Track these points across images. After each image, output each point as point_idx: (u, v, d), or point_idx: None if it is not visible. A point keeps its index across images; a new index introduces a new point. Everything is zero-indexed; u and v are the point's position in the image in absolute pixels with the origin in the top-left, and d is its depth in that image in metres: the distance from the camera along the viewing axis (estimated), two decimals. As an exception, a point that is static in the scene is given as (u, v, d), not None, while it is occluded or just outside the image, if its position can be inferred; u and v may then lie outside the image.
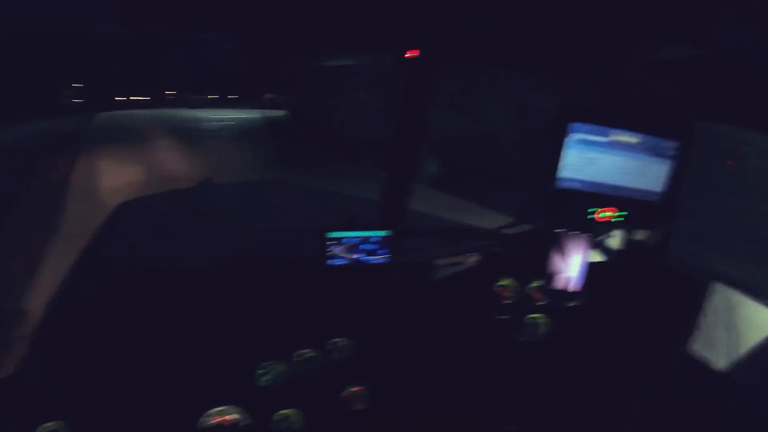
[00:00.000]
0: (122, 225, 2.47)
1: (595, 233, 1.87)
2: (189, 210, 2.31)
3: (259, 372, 1.66)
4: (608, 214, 1.86)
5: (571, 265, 1.90)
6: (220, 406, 1.59)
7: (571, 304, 1.93)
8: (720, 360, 1.79)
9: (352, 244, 1.70)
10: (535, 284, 1.92)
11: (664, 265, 1.96)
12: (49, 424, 1.38)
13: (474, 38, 1.58)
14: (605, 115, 1.78)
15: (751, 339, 1.76)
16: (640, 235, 2.00)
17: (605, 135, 1.79)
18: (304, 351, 1.70)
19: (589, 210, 1.84)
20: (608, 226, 1.89)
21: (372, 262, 1.74)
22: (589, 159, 1.80)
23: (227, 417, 1.60)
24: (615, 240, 2.06)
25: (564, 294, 1.91)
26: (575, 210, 1.83)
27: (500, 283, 1.90)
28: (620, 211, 1.86)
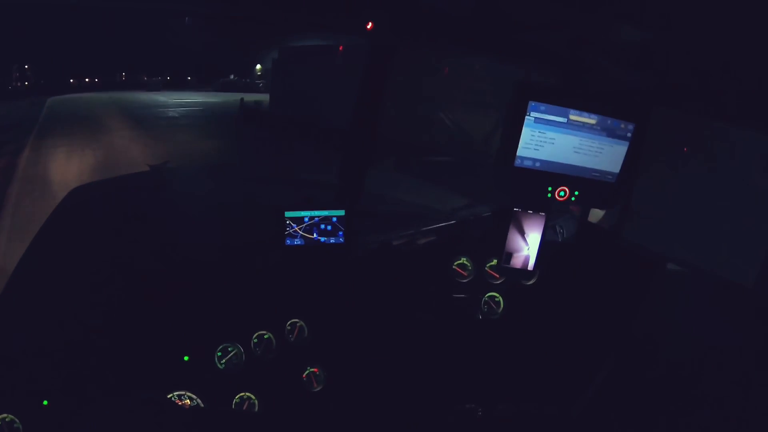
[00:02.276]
0: (74, 210, 2.35)
1: (551, 212, 1.89)
2: (147, 194, 2.21)
3: (218, 354, 1.63)
4: (565, 193, 1.89)
5: (528, 244, 1.93)
6: (180, 390, 1.56)
7: (527, 282, 1.97)
8: (665, 338, 1.87)
9: (309, 224, 1.68)
10: (491, 263, 1.95)
11: (618, 246, 2.02)
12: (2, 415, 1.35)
13: (436, 17, 1.55)
14: (563, 94, 1.79)
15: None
16: (594, 215, 2.04)
17: (563, 115, 1.80)
18: (261, 332, 1.68)
19: (549, 189, 1.86)
20: (564, 206, 1.92)
21: (329, 242, 1.72)
22: (547, 138, 1.81)
23: (186, 402, 1.58)
24: (570, 219, 2.10)
25: (520, 272, 1.94)
26: (532, 189, 1.85)
27: (457, 262, 1.92)
28: (576, 191, 1.89)
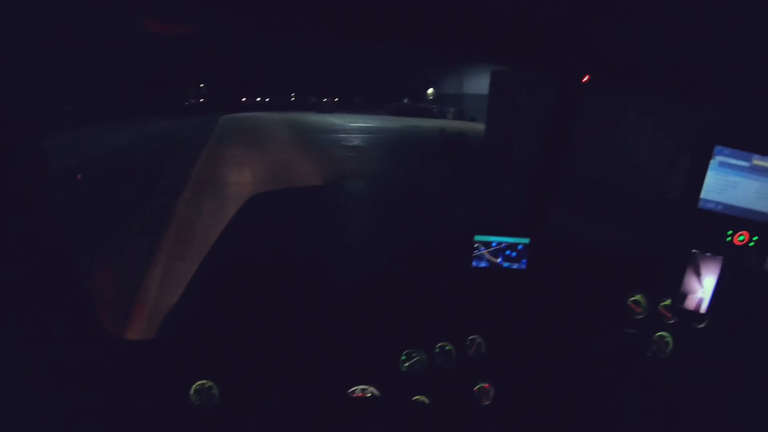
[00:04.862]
0: (251, 219, 2.72)
1: (730, 256, 1.88)
2: (325, 206, 2.52)
3: (402, 358, 1.82)
4: (745, 237, 1.88)
5: (704, 287, 1.92)
6: (364, 384, 1.77)
7: (700, 325, 1.95)
8: None
9: (496, 248, 1.85)
10: (665, 303, 1.96)
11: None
12: (202, 381, 1.59)
13: (629, 63, 1.67)
14: (748, 139, 1.82)
15: None
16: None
17: (747, 159, 1.83)
18: (444, 343, 1.85)
19: (728, 233, 1.87)
20: (744, 250, 1.90)
21: (512, 267, 1.87)
22: (729, 182, 1.84)
23: (368, 394, 1.77)
24: (750, 264, 2.04)
25: (693, 315, 1.93)
26: (712, 231, 1.86)
27: (633, 298, 1.96)
28: (756, 236, 1.87)
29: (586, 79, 1.68)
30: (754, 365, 1.93)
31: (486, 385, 1.88)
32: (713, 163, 1.83)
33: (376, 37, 1.57)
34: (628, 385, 1.94)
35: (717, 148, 1.81)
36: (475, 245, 1.85)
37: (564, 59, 1.64)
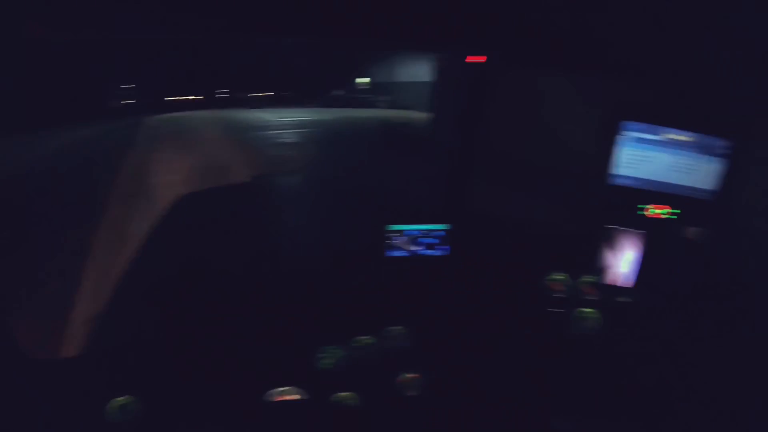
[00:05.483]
0: (178, 220, 2.57)
1: (646, 230, 1.90)
2: (250, 202, 2.39)
3: (320, 356, 1.74)
4: (659, 211, 1.90)
5: (622, 261, 1.93)
6: (284, 386, 1.68)
7: (622, 299, 1.97)
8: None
9: (412, 236, 1.78)
10: (586, 279, 1.96)
11: (719, 264, 1.98)
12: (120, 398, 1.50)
13: (533, 41, 1.63)
14: (658, 113, 1.82)
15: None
16: (690, 232, 2.01)
17: (658, 133, 1.83)
18: (362, 337, 1.78)
19: (639, 206, 1.88)
20: (658, 224, 1.92)
21: (431, 254, 1.81)
22: (642, 157, 1.84)
23: (290, 396, 1.69)
24: (665, 237, 2.08)
25: (615, 289, 1.94)
26: (627, 207, 1.87)
27: (553, 276, 1.95)
28: (672, 208, 1.89)
29: (480, 59, 1.62)
30: (680, 335, 1.98)
31: (412, 375, 1.83)
32: (627, 138, 1.82)
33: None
34: (555, 364, 1.94)
35: (631, 123, 1.80)
36: (390, 235, 1.77)
37: (462, 39, 1.58)
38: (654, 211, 1.89)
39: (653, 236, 1.88)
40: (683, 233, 1.90)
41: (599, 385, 1.88)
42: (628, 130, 1.80)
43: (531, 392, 1.86)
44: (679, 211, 1.85)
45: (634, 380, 1.88)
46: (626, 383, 1.88)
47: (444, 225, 1.80)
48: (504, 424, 1.83)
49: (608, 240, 1.91)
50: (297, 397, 1.69)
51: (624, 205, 1.86)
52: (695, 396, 1.82)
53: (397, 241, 1.79)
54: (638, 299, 1.96)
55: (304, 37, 1.78)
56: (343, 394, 1.75)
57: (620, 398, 1.86)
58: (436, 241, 1.80)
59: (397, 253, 1.81)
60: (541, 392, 1.87)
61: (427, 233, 1.79)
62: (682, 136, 1.84)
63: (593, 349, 1.95)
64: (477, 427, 1.82)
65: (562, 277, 1.96)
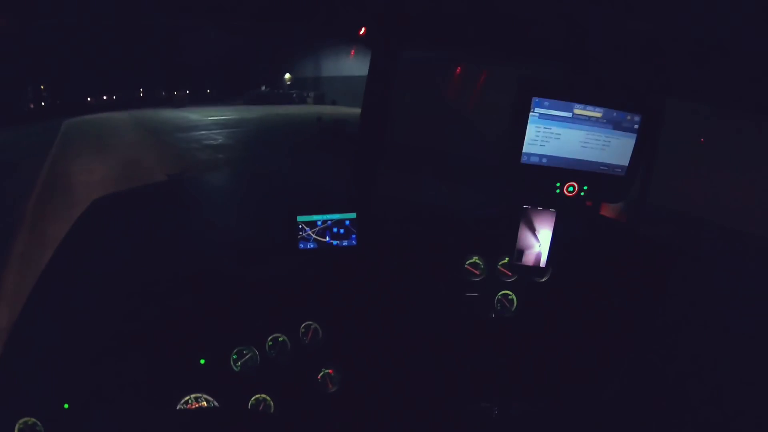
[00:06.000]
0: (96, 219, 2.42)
1: (561, 208, 1.89)
2: (165, 202, 2.27)
3: (234, 357, 1.67)
4: (574, 188, 1.89)
5: (540, 241, 1.92)
6: (196, 392, 1.60)
7: (540, 279, 1.96)
8: (685, 330, 1.84)
9: (322, 227, 1.71)
10: (503, 261, 1.95)
11: (633, 238, 2.00)
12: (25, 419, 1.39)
13: (430, 17, 1.57)
14: (567, 89, 1.80)
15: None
16: (605, 209, 2.03)
17: (568, 110, 1.81)
18: (276, 335, 1.71)
19: (557, 185, 1.86)
20: (575, 201, 1.91)
21: (342, 245, 1.75)
22: (552, 134, 1.82)
23: (202, 404, 1.61)
24: (581, 214, 2.09)
25: (533, 270, 1.93)
26: (541, 185, 1.85)
27: (469, 261, 1.93)
28: (585, 185, 1.89)
29: (362, 31, 1.56)
30: (597, 311, 2.00)
31: (330, 371, 1.78)
32: (533, 116, 1.79)
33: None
34: (476, 349, 1.93)
35: (536, 100, 1.77)
36: (299, 226, 1.70)
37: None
38: (571, 189, 1.88)
39: (565, 214, 1.87)
40: (596, 209, 1.90)
41: (520, 366, 1.88)
42: (537, 107, 1.77)
43: (453, 376, 1.85)
44: (586, 188, 1.84)
45: (553, 359, 1.89)
46: (546, 362, 1.89)
47: (351, 214, 1.74)
48: (428, 410, 1.81)
49: (523, 220, 1.89)
50: (210, 403, 1.62)
51: (539, 185, 1.84)
52: (614, 372, 1.85)
53: (308, 231, 1.72)
54: (554, 278, 1.96)
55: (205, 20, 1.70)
56: (259, 395, 1.69)
57: (540, 376, 1.87)
58: (344, 231, 1.74)
59: (309, 246, 1.74)
60: (462, 376, 1.85)
61: (337, 223, 1.73)
62: (592, 112, 1.83)
63: (512, 330, 1.95)
64: (402, 416, 1.79)
65: (477, 261, 1.94)
